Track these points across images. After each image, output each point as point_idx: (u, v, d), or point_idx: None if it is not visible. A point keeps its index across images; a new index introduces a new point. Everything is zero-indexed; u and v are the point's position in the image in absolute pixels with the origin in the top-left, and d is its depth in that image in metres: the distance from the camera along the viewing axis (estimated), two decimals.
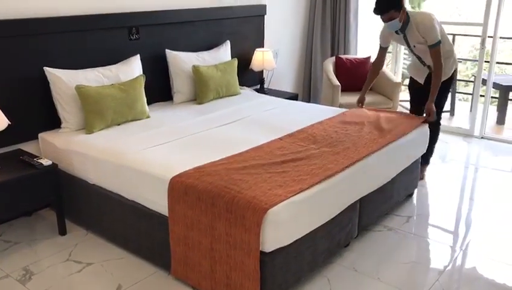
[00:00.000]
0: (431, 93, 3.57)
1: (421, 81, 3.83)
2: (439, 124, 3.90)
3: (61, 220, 3.10)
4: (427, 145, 3.58)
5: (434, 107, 3.55)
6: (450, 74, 3.76)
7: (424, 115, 3.63)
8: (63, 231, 3.11)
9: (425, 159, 3.86)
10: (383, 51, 3.83)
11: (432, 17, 3.49)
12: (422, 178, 3.96)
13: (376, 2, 3.42)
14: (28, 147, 3.28)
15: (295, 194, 2.34)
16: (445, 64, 3.60)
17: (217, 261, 2.36)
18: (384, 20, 3.45)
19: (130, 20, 3.72)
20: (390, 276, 2.71)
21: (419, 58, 3.72)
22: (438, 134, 3.91)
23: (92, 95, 3.23)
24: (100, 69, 3.46)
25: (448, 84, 3.78)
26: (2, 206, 2.78)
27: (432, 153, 3.97)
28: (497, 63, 5.61)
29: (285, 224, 2.26)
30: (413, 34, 3.53)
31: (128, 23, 3.72)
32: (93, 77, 3.37)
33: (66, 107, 3.26)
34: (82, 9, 3.43)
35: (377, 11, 3.42)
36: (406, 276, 2.73)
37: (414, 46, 3.63)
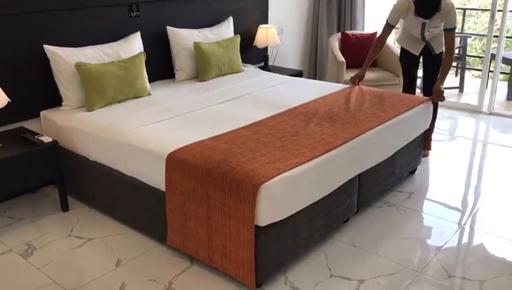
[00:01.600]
0: (441, 76, 3.56)
1: (417, 53, 3.82)
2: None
3: (63, 197, 3.13)
4: (430, 121, 3.52)
5: (443, 88, 3.51)
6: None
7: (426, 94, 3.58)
8: (65, 208, 3.15)
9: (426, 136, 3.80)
10: (390, 28, 3.75)
11: (452, 0, 3.45)
12: (426, 155, 3.92)
13: (424, 8, 3.37)
14: (30, 124, 3.31)
15: (292, 168, 2.33)
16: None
17: (213, 230, 2.37)
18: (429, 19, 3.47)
19: None
20: (388, 251, 2.71)
21: (423, 36, 3.65)
22: (436, 111, 3.86)
23: (91, 72, 3.23)
24: (100, 46, 3.45)
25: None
26: (3, 183, 2.82)
27: (432, 131, 3.92)
28: (507, 37, 5.48)
29: (281, 198, 2.26)
30: (434, 19, 3.48)
31: None
32: (93, 54, 3.36)
33: (66, 85, 3.27)
34: None
35: (426, 15, 3.41)
36: (405, 251, 2.72)
37: (428, 31, 3.59)
